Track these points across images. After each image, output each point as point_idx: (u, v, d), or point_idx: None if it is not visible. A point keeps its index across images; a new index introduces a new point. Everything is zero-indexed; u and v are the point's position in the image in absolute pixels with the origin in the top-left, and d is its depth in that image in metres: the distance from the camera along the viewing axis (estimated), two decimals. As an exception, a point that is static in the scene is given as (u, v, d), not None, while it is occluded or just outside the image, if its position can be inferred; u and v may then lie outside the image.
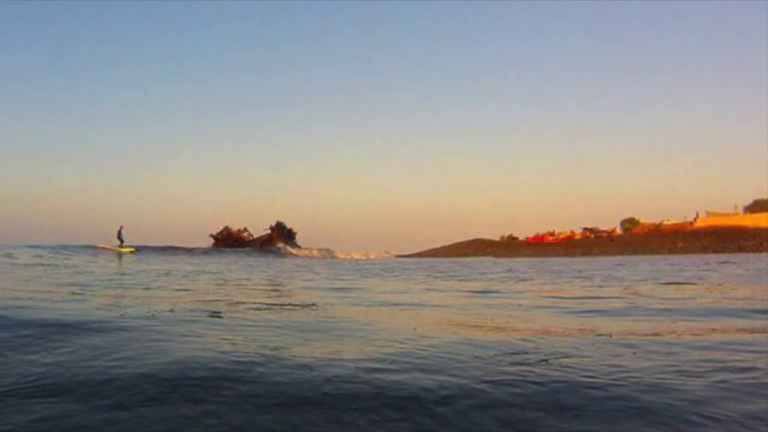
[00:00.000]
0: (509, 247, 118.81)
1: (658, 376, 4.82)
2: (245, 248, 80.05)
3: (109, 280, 17.49)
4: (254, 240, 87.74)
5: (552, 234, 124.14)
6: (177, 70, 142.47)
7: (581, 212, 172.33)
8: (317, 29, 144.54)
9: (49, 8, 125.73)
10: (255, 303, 10.52)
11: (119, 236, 56.63)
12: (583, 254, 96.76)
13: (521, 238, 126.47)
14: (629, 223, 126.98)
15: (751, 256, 70.65)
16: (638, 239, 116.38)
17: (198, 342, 5.90)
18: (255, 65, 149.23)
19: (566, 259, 65.96)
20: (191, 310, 8.64)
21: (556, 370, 4.93)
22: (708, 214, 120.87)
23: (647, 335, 7.24)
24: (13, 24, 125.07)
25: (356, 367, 4.81)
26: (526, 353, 5.65)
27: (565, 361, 5.32)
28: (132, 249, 55.92)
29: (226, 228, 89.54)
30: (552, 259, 66.77)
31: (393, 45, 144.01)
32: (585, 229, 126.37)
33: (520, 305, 11.62)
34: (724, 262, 41.94)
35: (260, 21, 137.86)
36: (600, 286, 18.10)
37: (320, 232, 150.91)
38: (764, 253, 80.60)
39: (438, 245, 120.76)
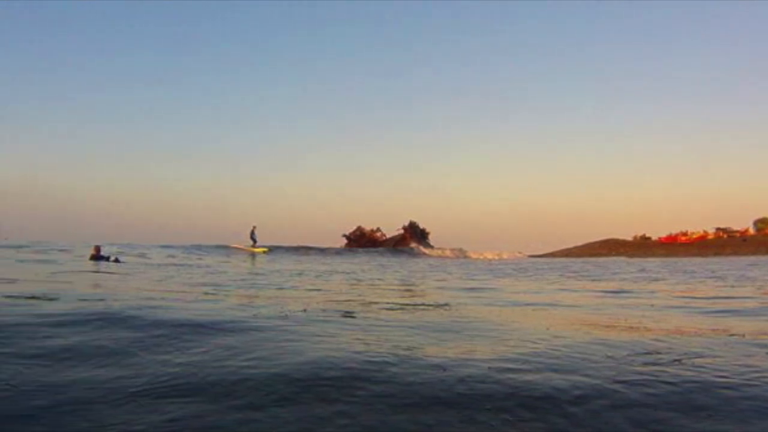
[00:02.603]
0: (642, 247, 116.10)
1: (791, 376, 4.67)
2: (378, 248, 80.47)
3: (242, 280, 17.83)
4: (387, 240, 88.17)
5: (685, 234, 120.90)
6: (308, 70, 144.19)
7: (714, 212, 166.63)
8: (447, 29, 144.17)
9: (177, 8, 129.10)
10: (388, 303, 10.50)
11: (252, 236, 57.31)
12: (716, 254, 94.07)
13: (654, 238, 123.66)
14: (762, 223, 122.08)
15: None
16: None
17: (331, 342, 5.86)
18: (388, 65, 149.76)
19: (699, 259, 64.49)
20: (324, 310, 8.63)
21: (688, 370, 4.88)
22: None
23: (780, 335, 7.00)
24: (143, 24, 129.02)
25: (489, 367, 4.76)
26: (659, 353, 5.60)
27: (697, 361, 5.25)
28: (265, 249, 56.56)
29: (359, 228, 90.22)
30: (684, 259, 65.51)
31: (523, 45, 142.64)
32: (718, 229, 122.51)
33: (652, 305, 11.47)
34: None
35: (390, 21, 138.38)
36: (733, 286, 17.72)
37: (453, 231, 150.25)
38: None
39: (571, 245, 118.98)
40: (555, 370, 4.75)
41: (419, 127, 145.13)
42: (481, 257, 77.74)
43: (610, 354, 5.50)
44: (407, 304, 10.39)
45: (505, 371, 4.66)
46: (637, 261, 59.37)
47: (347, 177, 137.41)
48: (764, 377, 4.64)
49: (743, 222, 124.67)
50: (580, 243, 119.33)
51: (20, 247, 34.59)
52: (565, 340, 6.24)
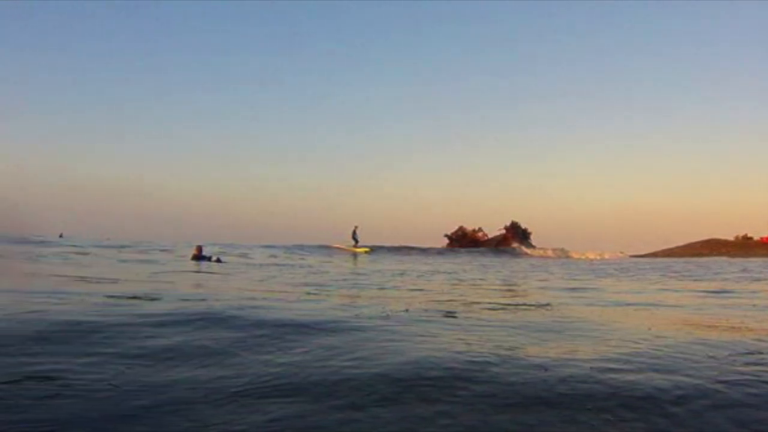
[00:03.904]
0: (743, 247, 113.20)
1: None
2: (480, 248, 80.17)
3: (344, 280, 17.96)
4: (489, 240, 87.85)
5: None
6: (410, 70, 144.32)
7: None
8: (550, 29, 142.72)
9: (283, 8, 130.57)
10: (489, 303, 10.44)
11: (354, 236, 57.42)
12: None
13: (756, 238, 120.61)
14: None
15: None
16: None
17: (432, 342, 5.84)
18: (488, 65, 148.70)
19: (802, 259, 62.80)
20: (426, 310, 8.62)
21: (791, 370, 4.83)
22: None
23: None
24: (247, 25, 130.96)
25: (591, 367, 4.77)
26: (761, 353, 5.61)
27: (800, 360, 5.18)
28: (367, 249, 56.65)
29: (461, 228, 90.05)
30: (787, 259, 63.79)
31: (625, 45, 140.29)
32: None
33: (754, 305, 11.38)
34: None
35: (494, 21, 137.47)
36: (838, 286, 17.23)
37: (555, 231, 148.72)
38: None
39: (672, 245, 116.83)
40: (656, 370, 4.75)
41: (522, 128, 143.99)
42: (583, 257, 76.58)
43: (711, 354, 5.49)
44: (509, 304, 10.35)
45: (607, 371, 4.67)
46: (738, 261, 58.04)
47: (449, 177, 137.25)
48: None
49: None
50: (681, 243, 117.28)
51: (122, 247, 35.37)
52: (667, 340, 6.23)
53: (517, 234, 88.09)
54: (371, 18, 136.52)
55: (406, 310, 8.42)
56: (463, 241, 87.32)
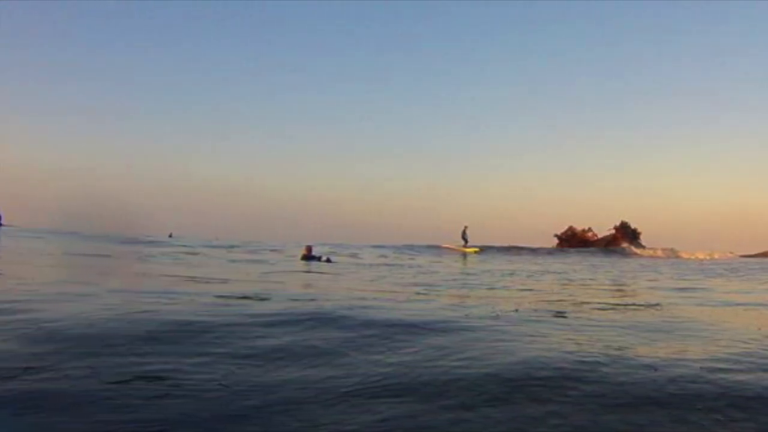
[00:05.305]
0: None
1: None
2: (589, 248, 79.01)
3: (454, 280, 17.87)
4: (598, 240, 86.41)
5: None
6: (519, 69, 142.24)
7: None
8: (658, 28, 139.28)
9: (392, 8, 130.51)
10: (599, 303, 10.35)
11: (464, 236, 56.85)
12: None
13: None
14: None
15: None
16: None
17: (542, 342, 5.83)
18: (596, 64, 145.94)
19: None
20: (535, 310, 8.60)
21: None
22: None
23: None
24: (357, 23, 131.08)
25: (700, 367, 4.75)
26: None
27: None
28: (476, 249, 56.11)
29: (571, 228, 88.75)
30: None
31: (732, 44, 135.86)
32: None
33: None
34: None
35: (601, 20, 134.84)
36: None
37: (664, 231, 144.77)
38: None
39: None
40: (766, 370, 4.73)
41: (631, 127, 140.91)
42: (693, 257, 74.58)
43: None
44: (618, 304, 10.30)
45: (717, 371, 4.65)
46: None
47: (559, 177, 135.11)
48: None
49: None
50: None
51: (231, 247, 35.69)
52: (777, 340, 6.11)
53: (626, 234, 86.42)
54: (480, 18, 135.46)
55: (516, 310, 8.39)
56: (573, 241, 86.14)
